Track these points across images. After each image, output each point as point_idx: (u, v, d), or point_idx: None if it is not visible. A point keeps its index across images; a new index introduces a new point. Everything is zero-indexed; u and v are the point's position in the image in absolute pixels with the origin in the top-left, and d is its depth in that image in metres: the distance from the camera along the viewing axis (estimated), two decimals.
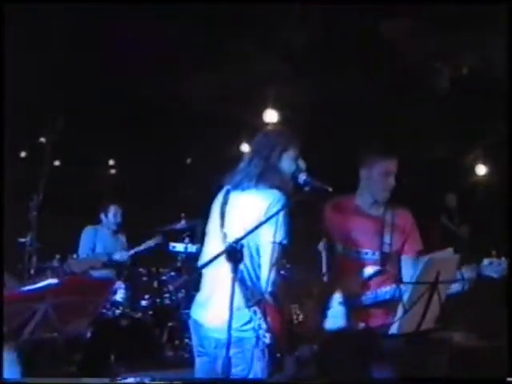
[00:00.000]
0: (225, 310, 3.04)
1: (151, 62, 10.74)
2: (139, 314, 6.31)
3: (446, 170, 11.77)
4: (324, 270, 4.06)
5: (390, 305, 3.89)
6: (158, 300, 6.57)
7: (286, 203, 3.39)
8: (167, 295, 6.59)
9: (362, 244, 4.02)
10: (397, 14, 9.13)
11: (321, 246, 4.12)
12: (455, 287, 3.76)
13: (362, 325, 3.92)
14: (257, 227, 3.23)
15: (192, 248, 6.54)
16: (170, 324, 6.48)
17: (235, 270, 3.04)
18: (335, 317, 3.91)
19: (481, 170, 12.49)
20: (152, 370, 5.19)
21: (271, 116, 10.85)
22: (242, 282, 3.35)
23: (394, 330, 3.52)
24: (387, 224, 4.04)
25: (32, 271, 5.19)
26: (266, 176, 3.50)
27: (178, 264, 6.69)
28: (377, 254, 4.00)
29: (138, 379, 4.87)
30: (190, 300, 6.01)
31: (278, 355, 3.41)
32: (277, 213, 3.31)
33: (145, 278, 6.73)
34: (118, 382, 4.91)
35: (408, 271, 3.97)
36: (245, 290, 3.35)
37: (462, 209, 9.75)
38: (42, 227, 5.61)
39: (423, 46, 9.46)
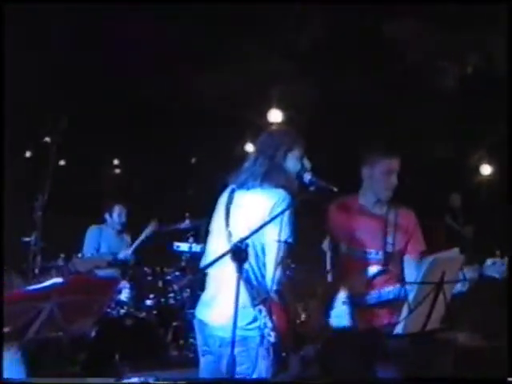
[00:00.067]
0: (230, 308, 3.04)
1: (155, 62, 10.75)
2: (144, 314, 6.30)
3: (450, 169, 11.77)
4: (328, 269, 4.06)
5: (394, 304, 3.89)
6: (162, 300, 6.56)
7: (291, 202, 3.39)
8: (172, 295, 6.59)
9: (366, 243, 4.02)
10: (399, 14, 9.13)
11: (325, 246, 4.12)
12: (457, 288, 3.75)
13: (366, 324, 3.91)
14: (262, 226, 3.23)
15: (196, 248, 6.53)
16: (174, 324, 6.47)
17: (240, 269, 3.04)
18: (339, 316, 3.91)
19: (485, 169, 12.48)
20: (156, 369, 5.18)
21: (276, 116, 10.85)
22: (248, 280, 3.35)
23: (399, 330, 3.51)
24: (390, 223, 4.04)
25: (37, 270, 5.19)
26: (271, 175, 3.50)
27: (183, 264, 6.69)
28: (380, 253, 4.00)
29: (142, 379, 4.87)
30: (194, 300, 6.01)
31: (283, 354, 3.41)
32: (282, 212, 3.31)
33: (149, 278, 6.73)
34: (123, 382, 4.91)
35: (411, 271, 3.98)
36: (250, 288, 3.36)
37: (466, 209, 9.73)
38: (46, 227, 5.61)
39: (427, 46, 9.45)
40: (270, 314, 3.36)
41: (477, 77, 9.10)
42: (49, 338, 5.43)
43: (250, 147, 11.36)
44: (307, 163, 3.60)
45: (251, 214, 3.44)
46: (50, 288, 3.21)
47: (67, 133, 5.82)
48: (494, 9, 8.05)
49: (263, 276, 3.42)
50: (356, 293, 3.92)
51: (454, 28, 8.93)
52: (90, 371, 5.77)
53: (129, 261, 6.64)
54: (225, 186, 3.69)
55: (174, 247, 6.85)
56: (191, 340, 6.17)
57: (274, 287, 3.38)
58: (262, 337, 3.36)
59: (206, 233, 3.75)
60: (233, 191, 3.61)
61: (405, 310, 3.48)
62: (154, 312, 6.45)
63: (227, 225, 3.51)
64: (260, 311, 3.36)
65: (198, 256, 6.30)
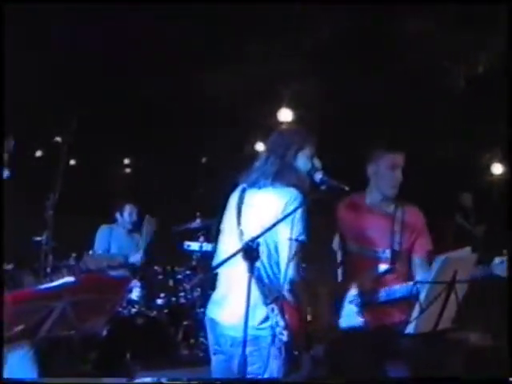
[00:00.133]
0: (241, 307, 3.04)
1: (166, 61, 10.77)
2: (155, 313, 6.31)
3: (461, 168, 11.73)
4: (337, 268, 4.06)
5: (403, 303, 3.89)
6: (173, 299, 6.57)
7: (303, 201, 3.39)
8: (182, 294, 6.60)
9: (373, 242, 4.03)
10: (404, 14, 9.11)
11: (335, 245, 4.12)
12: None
13: (376, 323, 3.91)
14: (273, 225, 3.23)
15: (207, 247, 6.53)
16: (185, 323, 6.48)
17: (252, 268, 3.04)
18: (349, 315, 3.91)
19: (497, 169, 12.43)
20: (167, 368, 5.19)
21: (286, 115, 10.85)
22: (259, 279, 3.36)
23: (410, 329, 3.51)
24: (398, 221, 4.04)
25: (48, 270, 5.21)
26: (282, 174, 3.51)
27: (193, 263, 6.70)
28: (387, 252, 4.01)
29: (155, 379, 4.88)
30: (205, 299, 6.02)
31: (296, 353, 3.41)
32: (294, 210, 3.32)
33: (160, 277, 6.74)
34: (136, 382, 4.92)
35: (419, 271, 3.98)
36: (262, 287, 3.36)
37: (477, 208, 9.70)
38: (58, 226, 5.63)
39: (436, 45, 9.43)
40: (281, 312, 3.36)
41: (489, 75, 9.08)
42: (60, 337, 5.47)
43: (260, 146, 11.37)
44: (317, 162, 3.60)
45: (263, 212, 3.44)
46: (62, 287, 3.22)
47: (78, 132, 5.84)
48: (494, 9, 8.05)
49: (275, 275, 3.42)
50: (364, 291, 3.92)
51: (463, 27, 8.92)
52: (101, 370, 5.79)
53: (140, 263, 6.64)
54: (235, 186, 3.69)
55: (185, 246, 6.85)
56: (202, 339, 6.17)
57: (287, 286, 3.38)
58: (274, 336, 3.36)
59: (217, 232, 3.75)
60: (244, 190, 3.62)
61: (416, 310, 3.47)
62: (165, 311, 6.45)
63: (239, 224, 3.52)
64: (272, 310, 3.36)
65: (209, 255, 6.31)
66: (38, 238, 5.60)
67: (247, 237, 3.23)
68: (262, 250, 3.19)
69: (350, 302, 3.90)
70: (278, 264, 3.43)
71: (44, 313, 3.18)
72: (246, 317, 3.02)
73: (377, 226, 4.05)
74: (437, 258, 3.49)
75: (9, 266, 3.74)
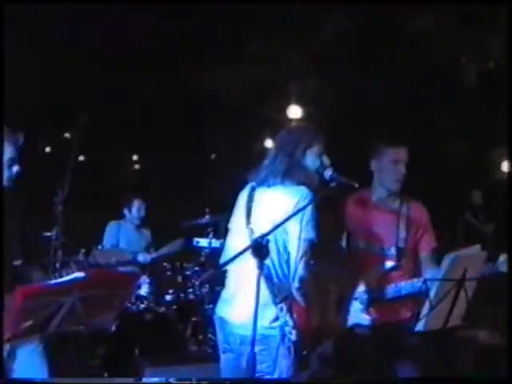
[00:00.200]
0: (251, 306, 3.03)
1: (175, 59, 10.79)
2: (163, 309, 6.32)
3: (471, 166, 11.70)
4: (344, 265, 4.06)
5: (409, 300, 3.90)
6: (182, 295, 6.58)
7: (313, 199, 3.38)
8: (191, 290, 6.60)
9: (379, 239, 4.03)
10: (406, 13, 9.09)
11: (343, 242, 4.12)
12: None
13: (381, 320, 3.90)
14: (282, 222, 3.23)
15: (216, 243, 6.53)
16: (193, 319, 6.48)
17: (261, 265, 3.03)
18: (355, 313, 3.90)
19: (507, 166, 12.37)
20: (175, 364, 5.19)
21: (295, 112, 10.84)
22: (269, 278, 3.35)
23: (420, 327, 3.50)
24: (403, 218, 4.04)
25: (57, 265, 5.22)
26: (291, 172, 3.50)
27: (202, 259, 6.70)
28: (392, 249, 4.01)
29: (163, 379, 4.88)
30: (214, 295, 6.03)
31: (305, 352, 3.40)
32: (303, 208, 3.31)
33: (169, 273, 6.75)
34: (143, 382, 4.93)
35: (425, 267, 3.99)
36: (271, 286, 3.35)
37: (487, 206, 9.67)
38: (67, 222, 5.65)
39: (447, 43, 9.41)
40: (290, 311, 3.35)
41: (498, 71, 9.05)
42: (69, 332, 5.49)
43: (269, 143, 11.37)
44: (326, 160, 3.59)
45: (274, 211, 3.43)
46: (72, 282, 3.22)
47: (87, 129, 5.85)
48: (494, 9, 8.03)
49: (284, 274, 3.42)
50: (370, 288, 3.91)
51: (476, 25, 8.89)
52: (109, 365, 5.80)
53: (147, 263, 6.66)
54: (244, 184, 3.69)
55: (194, 243, 6.86)
56: (210, 335, 6.18)
57: (296, 284, 3.37)
58: (283, 335, 3.36)
59: (226, 229, 3.75)
60: (253, 189, 3.61)
61: (426, 307, 3.46)
62: (174, 307, 6.46)
63: (248, 222, 3.51)
64: (281, 309, 3.35)
65: (218, 252, 6.30)
66: (48, 234, 5.62)
67: (257, 235, 3.22)
68: (272, 248, 3.18)
69: (356, 299, 3.90)
70: (287, 263, 3.42)
71: (53, 308, 3.18)
72: (255, 315, 3.01)
73: (382, 223, 4.05)
74: (447, 256, 3.48)
75: (17, 262, 3.74)
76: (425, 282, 3.67)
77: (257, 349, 3.14)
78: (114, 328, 5.90)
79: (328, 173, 3.54)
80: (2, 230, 3.61)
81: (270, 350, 3.35)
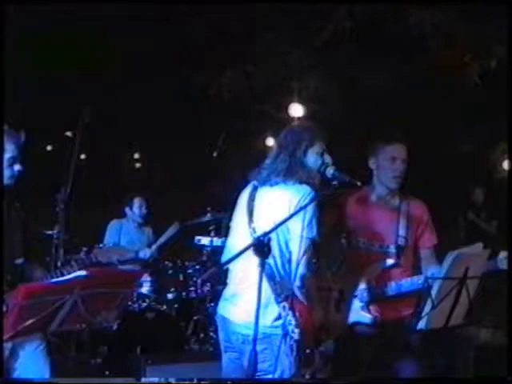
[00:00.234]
0: (253, 305, 3.04)
1: (177, 55, 10.78)
2: (165, 307, 6.33)
3: (472, 164, 11.69)
4: (345, 263, 4.06)
5: (409, 298, 3.92)
6: (183, 293, 6.58)
7: (315, 197, 3.38)
8: (193, 288, 6.60)
9: (379, 237, 4.03)
10: (406, 12, 9.08)
11: (343, 240, 4.12)
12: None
13: (381, 318, 3.91)
14: (285, 221, 3.22)
15: (218, 242, 6.53)
16: (195, 317, 6.49)
17: (263, 264, 3.04)
18: (355, 311, 3.90)
19: (509, 164, 12.34)
20: (177, 362, 5.19)
21: (297, 110, 10.82)
22: (271, 276, 3.35)
23: (422, 325, 3.50)
24: (403, 215, 4.05)
25: (59, 263, 5.22)
26: (292, 171, 3.50)
27: (204, 258, 6.70)
28: (392, 246, 4.00)
29: (162, 379, 4.88)
30: (215, 293, 6.04)
31: (308, 351, 3.40)
32: (305, 206, 3.31)
33: (170, 272, 6.75)
34: (144, 382, 4.93)
35: (427, 264, 3.99)
36: (273, 284, 3.35)
37: (489, 204, 9.66)
38: (69, 220, 5.65)
39: (449, 39, 9.39)
40: (293, 310, 3.35)
41: (502, 70, 9.03)
42: (71, 331, 5.50)
43: (271, 142, 11.36)
44: (328, 158, 3.59)
45: (276, 209, 3.43)
46: (74, 280, 3.23)
47: (89, 126, 5.85)
48: (494, 9, 8.03)
49: (287, 272, 3.42)
50: (370, 286, 3.91)
51: (476, 20, 8.88)
52: (111, 363, 5.81)
53: (148, 259, 6.65)
54: (246, 182, 3.69)
55: (195, 241, 6.86)
56: (212, 333, 6.18)
57: (298, 283, 3.37)
58: (286, 334, 3.36)
59: (228, 228, 3.75)
60: (255, 188, 3.61)
61: (428, 306, 3.46)
62: (175, 305, 6.46)
63: (250, 221, 3.51)
64: (284, 308, 3.35)
65: (219, 250, 6.30)
66: (49, 232, 5.62)
67: (259, 234, 3.21)
68: (274, 247, 3.18)
69: (356, 297, 3.90)
70: (289, 262, 3.42)
71: (55, 306, 3.19)
72: (256, 314, 3.01)
73: (382, 221, 4.06)
74: (449, 254, 3.48)
75: (19, 260, 3.74)
76: (426, 280, 3.67)
77: (259, 348, 3.14)
78: (115, 326, 5.91)
79: (330, 171, 3.54)
80: (2, 229, 3.61)
81: (273, 348, 3.35)
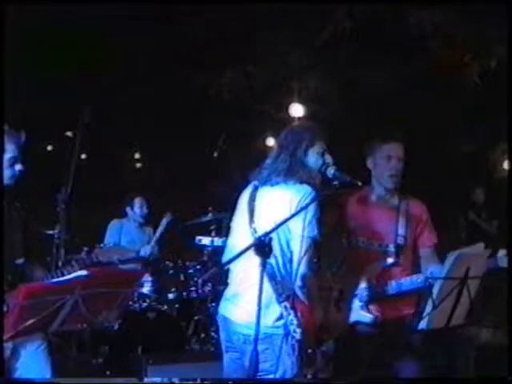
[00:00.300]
0: (254, 305, 3.03)
1: (177, 56, 10.78)
2: (165, 307, 6.32)
3: (473, 164, 11.69)
4: (345, 262, 4.06)
5: (409, 297, 3.92)
6: (184, 293, 6.58)
7: (315, 197, 3.38)
8: (193, 288, 6.60)
9: (378, 236, 4.04)
10: (406, 12, 9.08)
11: (343, 240, 4.12)
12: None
13: (382, 317, 3.91)
14: (286, 220, 3.23)
15: (218, 242, 6.53)
16: (196, 317, 6.49)
17: (264, 264, 3.04)
18: (354, 310, 3.90)
19: (509, 164, 12.34)
20: (177, 362, 5.19)
21: (297, 110, 10.82)
22: (272, 276, 3.35)
23: (423, 325, 3.50)
24: (402, 215, 4.06)
25: (60, 263, 5.22)
26: (293, 171, 3.50)
27: (205, 258, 6.70)
28: (391, 246, 4.01)
29: (165, 379, 4.88)
30: (216, 293, 6.03)
31: (309, 351, 3.40)
32: (306, 206, 3.31)
33: (171, 272, 6.75)
34: (146, 382, 4.93)
35: (428, 263, 3.99)
36: (274, 284, 3.35)
37: (490, 204, 9.66)
38: (69, 220, 5.65)
39: (449, 40, 9.39)
40: (295, 310, 3.35)
41: (502, 70, 9.03)
42: (72, 331, 5.50)
43: (272, 142, 11.36)
44: (329, 158, 3.59)
45: (276, 209, 3.43)
46: (75, 280, 3.23)
47: (90, 126, 5.85)
48: (494, 9, 8.03)
49: (288, 272, 3.41)
50: (371, 285, 3.92)
51: (476, 20, 8.88)
52: (111, 363, 5.81)
53: (149, 257, 6.64)
54: (247, 182, 3.69)
55: (196, 241, 6.86)
56: (213, 333, 6.18)
57: (299, 283, 3.37)
58: (288, 334, 3.36)
59: (228, 228, 3.75)
60: (256, 188, 3.61)
61: (429, 305, 3.46)
62: (176, 305, 6.46)
63: (251, 221, 3.51)
64: (285, 308, 3.35)
65: (220, 250, 6.30)
66: (50, 232, 5.62)
67: (260, 234, 3.21)
68: (275, 247, 3.18)
69: (355, 296, 3.90)
70: (290, 261, 3.42)
71: (56, 306, 3.19)
72: (258, 314, 3.01)
73: (382, 220, 4.07)
74: (450, 254, 3.48)
75: (20, 260, 3.74)
76: (427, 279, 3.67)
77: (261, 348, 3.14)
78: (116, 326, 5.91)
79: (331, 171, 3.54)
80: (2, 229, 3.61)
81: (274, 348, 3.35)
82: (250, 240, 3.36)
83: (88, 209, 10.61)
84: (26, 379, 3.71)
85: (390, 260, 4.00)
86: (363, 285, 3.91)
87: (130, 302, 6.01)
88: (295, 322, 3.34)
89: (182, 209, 7.22)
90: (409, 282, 3.91)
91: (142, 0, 9.32)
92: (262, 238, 3.03)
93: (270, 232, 3.07)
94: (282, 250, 3.40)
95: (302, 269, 3.36)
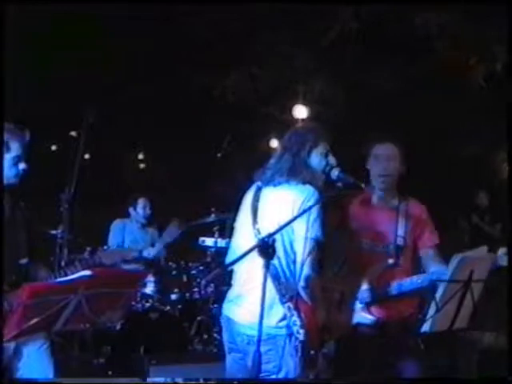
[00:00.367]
0: (258, 306, 3.02)
1: (181, 57, 10.78)
2: (168, 308, 6.33)
3: (476, 167, 11.67)
4: (347, 263, 4.06)
5: (411, 298, 3.92)
6: (187, 294, 6.58)
7: (319, 198, 3.38)
8: (196, 289, 6.61)
9: (379, 237, 4.04)
10: (409, 14, 9.07)
11: (346, 241, 4.12)
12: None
13: (382, 319, 3.90)
14: (290, 222, 3.23)
15: (222, 243, 6.53)
16: (198, 318, 6.49)
17: (267, 265, 3.03)
18: (357, 311, 3.90)
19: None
20: (180, 363, 5.19)
21: (302, 112, 10.81)
22: (276, 277, 3.35)
23: (426, 328, 3.50)
24: (401, 216, 4.05)
25: (63, 263, 5.23)
26: (296, 171, 3.50)
27: (208, 259, 6.70)
28: (391, 247, 4.01)
29: (168, 379, 4.88)
30: (219, 294, 6.04)
31: (312, 352, 3.40)
32: (310, 208, 3.31)
33: (174, 272, 6.75)
34: (149, 382, 4.93)
35: (431, 263, 3.98)
36: (278, 285, 3.35)
37: (493, 207, 9.64)
38: (73, 220, 5.66)
39: (455, 40, 9.38)
40: (298, 311, 3.35)
41: (507, 73, 9.02)
42: (75, 331, 5.50)
43: (275, 143, 11.37)
44: (332, 160, 3.59)
45: (280, 210, 3.43)
46: (78, 280, 3.23)
47: (94, 126, 5.86)
48: (494, 9, 8.01)
49: (291, 273, 3.41)
50: (372, 287, 3.91)
51: (481, 21, 8.87)
52: (114, 364, 5.81)
53: (152, 258, 6.64)
54: (250, 183, 3.69)
55: (199, 242, 6.86)
56: (215, 334, 6.18)
57: (302, 283, 3.37)
58: (291, 335, 3.36)
59: (232, 229, 3.75)
60: (259, 188, 3.61)
61: (432, 308, 3.46)
62: (179, 306, 6.46)
63: (255, 222, 3.51)
64: (289, 308, 3.35)
65: (224, 251, 6.30)
66: (54, 232, 5.63)
67: (263, 235, 3.21)
68: (278, 248, 3.18)
69: (356, 298, 3.90)
70: (294, 262, 3.42)
71: (60, 306, 3.19)
72: (261, 315, 3.01)
73: (382, 221, 4.06)
74: (453, 258, 3.47)
75: (23, 260, 3.75)
76: (430, 280, 3.67)
77: (264, 348, 3.14)
78: (119, 326, 5.91)
79: (335, 172, 3.54)
80: (2, 229, 3.62)
81: (277, 349, 3.35)
82: (253, 241, 3.36)
83: (91, 209, 10.63)
84: (28, 379, 3.71)
85: (390, 261, 4.00)
86: (365, 286, 3.91)
87: (133, 303, 6.01)
88: (298, 322, 3.34)
89: (185, 209, 7.21)
90: (409, 282, 3.90)
91: (142, 0, 9.31)
92: (266, 240, 3.03)
93: (274, 233, 3.07)
94: (285, 251, 3.40)
95: (306, 270, 3.36)
